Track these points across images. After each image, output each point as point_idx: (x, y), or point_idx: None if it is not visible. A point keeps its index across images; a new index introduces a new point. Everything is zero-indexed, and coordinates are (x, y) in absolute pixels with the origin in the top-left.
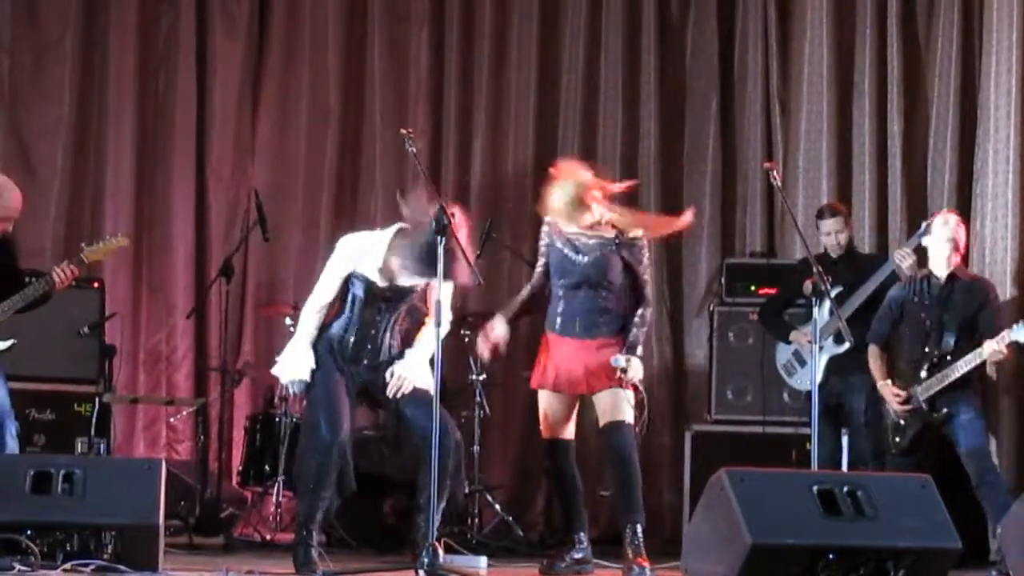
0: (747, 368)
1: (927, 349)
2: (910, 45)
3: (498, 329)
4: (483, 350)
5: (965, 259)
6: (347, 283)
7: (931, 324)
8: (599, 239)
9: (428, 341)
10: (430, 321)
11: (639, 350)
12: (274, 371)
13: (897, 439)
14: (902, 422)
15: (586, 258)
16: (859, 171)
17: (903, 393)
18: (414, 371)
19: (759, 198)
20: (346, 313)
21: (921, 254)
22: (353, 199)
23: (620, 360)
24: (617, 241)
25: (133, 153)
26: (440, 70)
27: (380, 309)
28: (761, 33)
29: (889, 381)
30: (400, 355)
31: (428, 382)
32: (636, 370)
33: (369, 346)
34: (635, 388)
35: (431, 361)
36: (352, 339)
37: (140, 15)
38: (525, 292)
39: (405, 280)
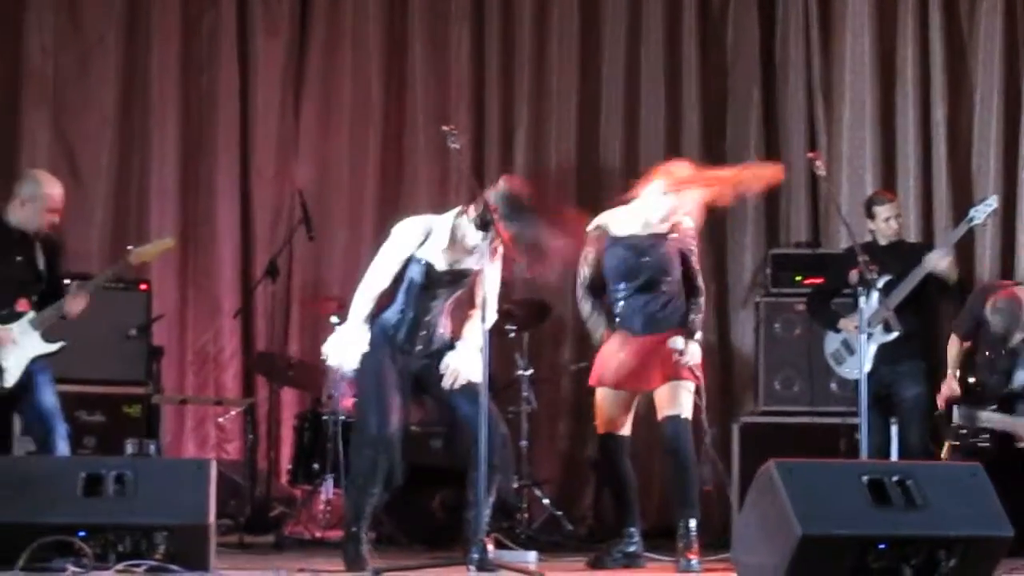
0: (794, 358)
1: (996, 377)
2: (953, 31)
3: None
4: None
5: (1010, 244)
6: (403, 268)
7: (1004, 353)
8: (654, 236)
9: (476, 332)
10: (475, 312)
11: (698, 335)
12: (324, 349)
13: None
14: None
15: (648, 258)
16: (903, 159)
17: (951, 394)
18: (468, 363)
19: (803, 188)
20: (400, 299)
21: (964, 248)
22: (397, 196)
23: (679, 341)
24: (673, 235)
25: (177, 153)
26: (481, 65)
27: (436, 295)
28: (802, 22)
29: (956, 373)
30: (451, 345)
31: (479, 374)
32: (693, 354)
33: (423, 332)
34: (693, 375)
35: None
36: (408, 325)
37: (182, 15)
38: (589, 308)
39: (463, 264)
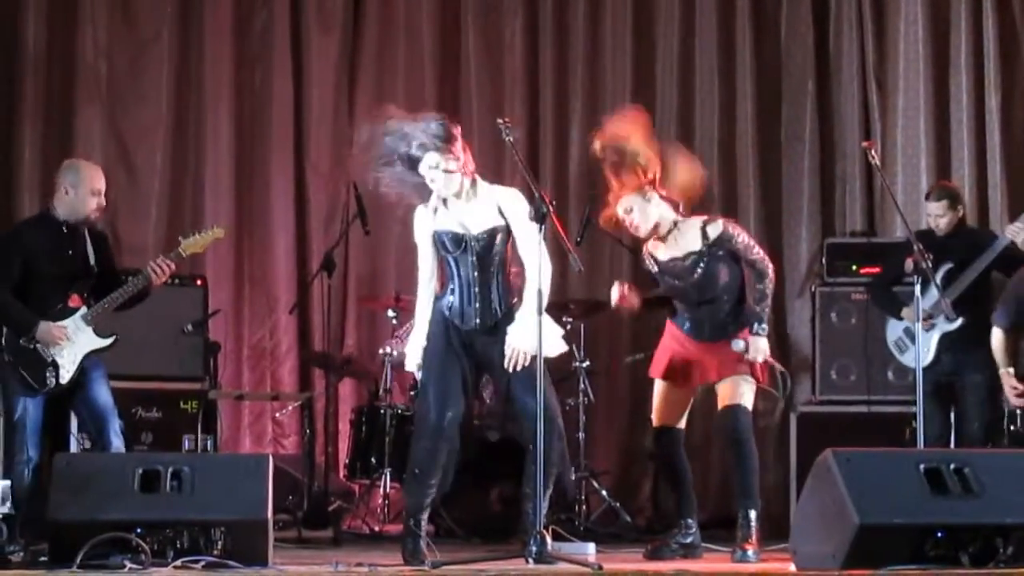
0: (851, 348)
1: None
2: (1006, 19)
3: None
4: (615, 296)
5: None
6: (439, 250)
7: None
8: (692, 255)
9: (531, 301)
10: (528, 280)
11: (757, 327)
12: (407, 366)
13: (1012, 427)
14: (1019, 411)
15: (689, 281)
16: (958, 147)
17: (1020, 386)
18: (529, 340)
19: (858, 177)
20: (448, 278)
21: None
22: None
23: (740, 344)
24: (708, 250)
25: (232, 150)
26: (535, 58)
27: (475, 264)
28: (855, 11)
29: (1011, 369)
30: (509, 318)
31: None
32: (756, 350)
33: (476, 304)
34: (765, 366)
35: (536, 354)
36: (458, 300)
37: (235, 12)
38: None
39: (479, 224)
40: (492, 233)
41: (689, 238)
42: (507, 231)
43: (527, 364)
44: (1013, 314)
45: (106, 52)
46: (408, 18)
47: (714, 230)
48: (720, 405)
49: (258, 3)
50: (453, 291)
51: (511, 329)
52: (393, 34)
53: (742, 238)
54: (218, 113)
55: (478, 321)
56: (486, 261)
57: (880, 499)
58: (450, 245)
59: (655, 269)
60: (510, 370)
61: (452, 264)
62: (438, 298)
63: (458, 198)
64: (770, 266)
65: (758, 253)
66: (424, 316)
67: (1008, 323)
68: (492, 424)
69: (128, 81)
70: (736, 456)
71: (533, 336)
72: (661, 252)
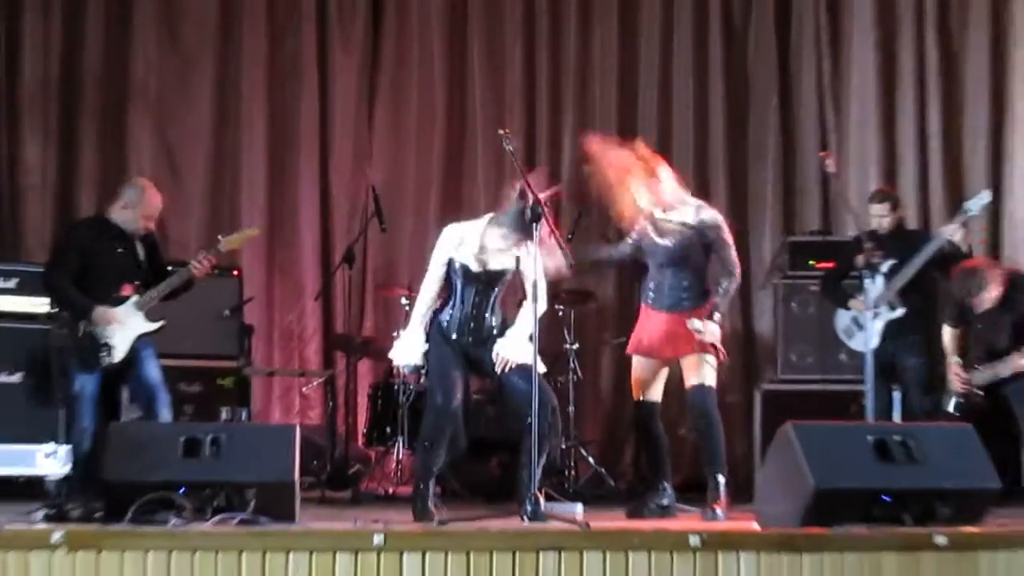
0: (808, 333)
1: (986, 342)
2: (945, 43)
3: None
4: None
5: (995, 233)
6: (450, 271)
7: (989, 324)
8: (680, 224)
9: (526, 319)
10: (527, 303)
11: (716, 316)
12: (391, 354)
13: (950, 408)
14: (955, 398)
15: (667, 241)
16: (903, 157)
17: (964, 375)
18: (515, 349)
19: (815, 183)
20: (451, 298)
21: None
22: (458, 192)
23: (696, 323)
24: (693, 227)
25: (265, 157)
26: (532, 76)
27: (478, 291)
28: (814, 36)
29: (959, 360)
30: (501, 332)
31: (528, 356)
32: (710, 333)
33: (473, 325)
34: (715, 348)
35: (530, 337)
36: (458, 320)
37: (269, 35)
38: (605, 254)
39: (496, 263)
40: (503, 272)
41: (685, 212)
42: (515, 269)
43: (513, 367)
44: (956, 314)
45: (157, 69)
46: (421, 39)
47: (708, 215)
48: (686, 384)
49: (289, 28)
50: (453, 311)
51: (500, 341)
52: (407, 54)
53: (726, 236)
54: (253, 123)
55: (471, 339)
56: (489, 290)
57: (834, 466)
58: (462, 274)
59: (640, 232)
60: (499, 372)
61: (458, 287)
62: (438, 311)
63: (491, 245)
64: (738, 268)
65: (732, 255)
66: (422, 323)
67: (954, 321)
68: (493, 401)
69: (175, 95)
70: (703, 428)
71: (520, 346)
72: (660, 213)
